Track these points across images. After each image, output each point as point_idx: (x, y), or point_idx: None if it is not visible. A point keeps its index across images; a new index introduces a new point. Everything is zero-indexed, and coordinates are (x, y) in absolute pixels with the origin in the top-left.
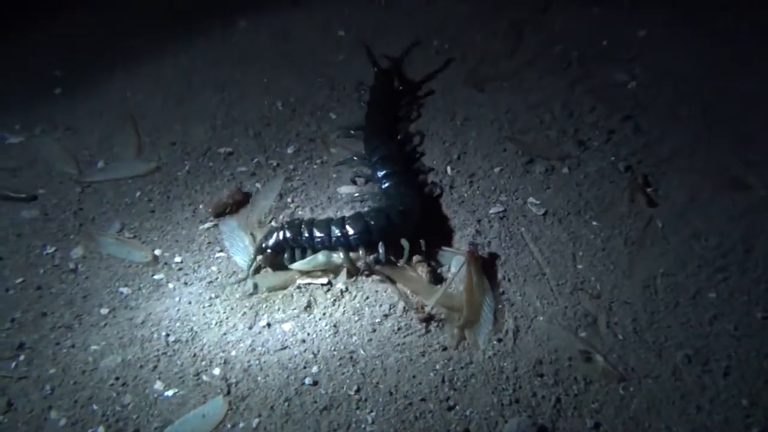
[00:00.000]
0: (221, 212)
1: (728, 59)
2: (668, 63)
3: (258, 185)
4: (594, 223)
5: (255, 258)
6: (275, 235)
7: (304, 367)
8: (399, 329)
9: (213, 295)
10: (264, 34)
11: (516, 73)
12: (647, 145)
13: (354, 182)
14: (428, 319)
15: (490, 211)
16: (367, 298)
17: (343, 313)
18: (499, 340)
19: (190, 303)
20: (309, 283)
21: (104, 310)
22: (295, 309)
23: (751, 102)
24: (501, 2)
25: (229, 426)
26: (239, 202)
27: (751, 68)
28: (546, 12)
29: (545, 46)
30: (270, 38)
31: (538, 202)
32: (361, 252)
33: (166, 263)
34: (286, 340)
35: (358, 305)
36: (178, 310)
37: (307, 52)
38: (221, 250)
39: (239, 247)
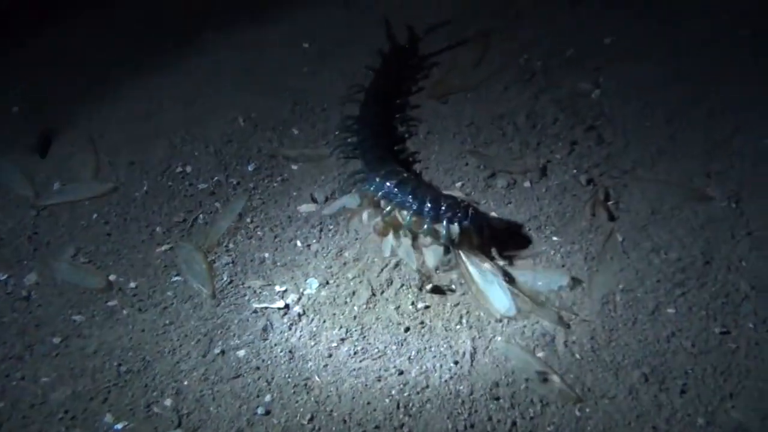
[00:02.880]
0: None
1: (694, 68)
2: (633, 72)
3: (217, 204)
4: (554, 238)
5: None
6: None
7: (257, 396)
8: (355, 353)
9: (167, 322)
10: (229, 47)
11: (481, 84)
12: (610, 156)
13: (314, 200)
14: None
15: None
16: (325, 321)
17: (300, 338)
18: (456, 362)
19: (143, 330)
20: (265, 307)
21: (56, 339)
22: (250, 334)
23: (716, 112)
24: (470, 11)
25: None
26: None
27: (717, 78)
28: (515, 20)
29: (511, 56)
30: (235, 51)
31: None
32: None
33: (120, 289)
34: (240, 367)
35: (315, 329)
36: (131, 338)
37: (271, 65)
38: (177, 274)
39: (195, 271)
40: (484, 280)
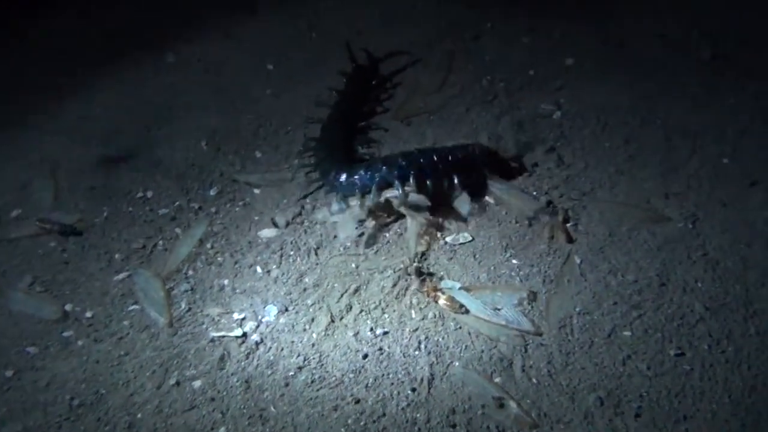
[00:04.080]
0: None
1: (653, 90)
2: (594, 93)
3: (178, 230)
4: (514, 261)
5: None
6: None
7: (212, 429)
8: (313, 382)
9: (122, 353)
10: (193, 68)
11: (443, 106)
12: (570, 178)
13: (275, 224)
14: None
15: (412, 252)
16: (283, 349)
17: (257, 367)
18: (413, 390)
19: (98, 362)
20: (223, 336)
21: (9, 372)
22: (207, 364)
23: (674, 133)
24: (434, 33)
25: None
26: None
27: (675, 99)
28: (477, 41)
29: (474, 77)
30: (199, 73)
31: (461, 242)
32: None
33: (76, 319)
34: (195, 399)
35: (272, 358)
36: (85, 370)
37: (235, 87)
38: (135, 303)
39: (152, 299)
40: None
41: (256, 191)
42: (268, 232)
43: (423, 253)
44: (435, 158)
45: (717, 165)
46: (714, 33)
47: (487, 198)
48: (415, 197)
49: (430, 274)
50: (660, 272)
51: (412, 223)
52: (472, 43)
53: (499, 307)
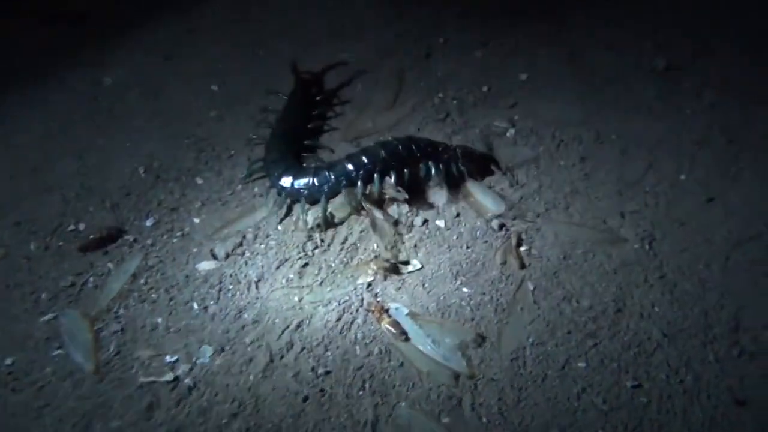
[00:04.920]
0: (90, 248)
1: (609, 102)
2: (548, 108)
3: (110, 265)
4: (464, 289)
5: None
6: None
7: None
8: (247, 429)
9: (43, 404)
10: (133, 91)
11: (394, 126)
12: (523, 198)
13: (214, 257)
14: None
15: (358, 282)
16: (217, 394)
17: (188, 415)
18: None
19: (14, 415)
20: (153, 381)
21: None
22: (134, 414)
23: (629, 149)
24: (384, 50)
25: None
26: (110, 238)
27: (630, 111)
28: (429, 58)
29: (426, 94)
30: (139, 96)
31: (410, 270)
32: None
33: None
34: None
35: (205, 404)
36: (1, 424)
37: (177, 110)
38: (60, 347)
39: (79, 342)
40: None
41: (196, 220)
42: (206, 265)
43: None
44: (413, 147)
45: (674, 181)
46: (667, 43)
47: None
48: (391, 189)
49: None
50: (616, 297)
51: (380, 219)
52: (424, 58)
53: (440, 342)
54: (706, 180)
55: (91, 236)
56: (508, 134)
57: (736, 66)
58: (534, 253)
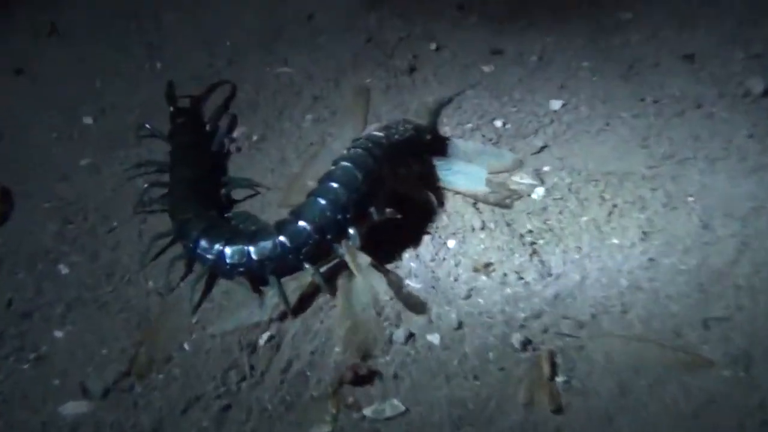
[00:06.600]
0: None
1: (683, 144)
2: (592, 154)
3: None
4: None
5: None
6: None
7: None
8: None
9: None
10: None
11: None
12: (559, 297)
13: (86, 393)
14: None
15: None
16: None
17: None
18: None
19: None
20: None
21: None
22: None
23: (715, 216)
24: (346, 61)
25: None
26: None
27: (716, 160)
28: (413, 73)
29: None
30: None
31: (387, 415)
32: None
33: None
34: None
35: None
36: None
37: (30, 157)
38: None
39: None
40: None
41: (58, 334)
42: (74, 407)
43: None
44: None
45: None
46: (766, 54)
47: None
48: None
49: None
50: None
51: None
52: (407, 74)
53: None
54: None
55: None
56: (534, 195)
57: None
58: (576, 386)
